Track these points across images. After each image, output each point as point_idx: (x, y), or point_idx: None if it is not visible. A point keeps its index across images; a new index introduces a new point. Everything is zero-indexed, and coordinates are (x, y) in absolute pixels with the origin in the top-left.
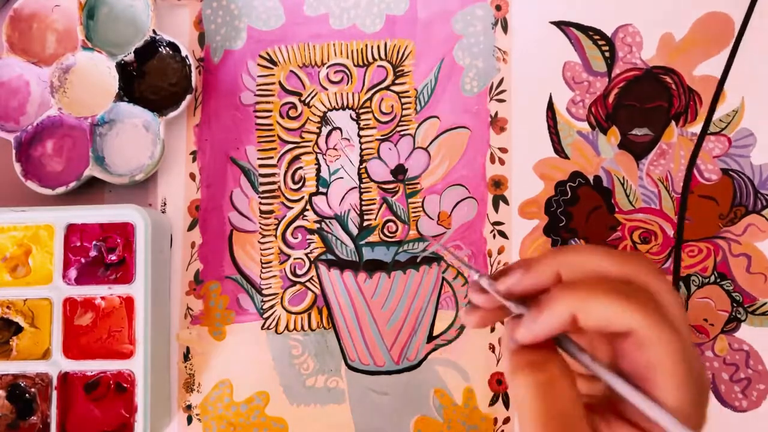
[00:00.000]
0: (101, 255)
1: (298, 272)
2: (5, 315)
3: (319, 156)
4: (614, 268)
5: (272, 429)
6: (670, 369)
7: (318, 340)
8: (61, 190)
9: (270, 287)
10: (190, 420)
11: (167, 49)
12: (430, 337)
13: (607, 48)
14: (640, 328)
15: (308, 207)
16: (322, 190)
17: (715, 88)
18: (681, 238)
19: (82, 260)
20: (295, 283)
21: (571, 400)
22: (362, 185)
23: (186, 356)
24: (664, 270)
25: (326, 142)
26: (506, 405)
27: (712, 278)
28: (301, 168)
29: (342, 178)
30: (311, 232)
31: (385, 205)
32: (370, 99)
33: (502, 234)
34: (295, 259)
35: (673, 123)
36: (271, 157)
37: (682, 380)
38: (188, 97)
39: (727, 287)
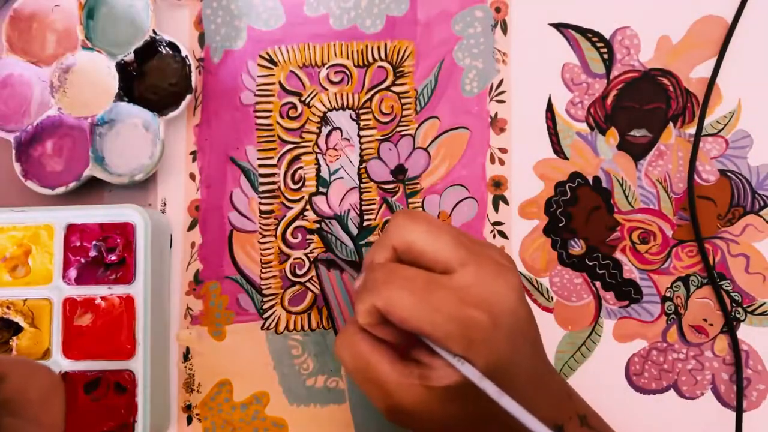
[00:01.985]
0: (101, 255)
1: (298, 272)
2: (5, 315)
3: (319, 156)
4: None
5: (272, 429)
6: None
7: (318, 341)
8: (61, 190)
9: (270, 287)
10: (190, 420)
11: (167, 49)
12: None
13: (605, 50)
14: None
15: (308, 207)
16: (322, 190)
17: (705, 89)
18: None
19: (82, 260)
20: (294, 283)
21: (360, 349)
22: (362, 185)
23: (186, 356)
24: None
25: (326, 142)
26: None
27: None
28: (301, 168)
29: (342, 178)
30: (311, 232)
31: (385, 205)
32: (370, 99)
33: (502, 234)
34: (294, 259)
35: (671, 124)
36: (271, 157)
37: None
38: (188, 97)
39: (726, 287)
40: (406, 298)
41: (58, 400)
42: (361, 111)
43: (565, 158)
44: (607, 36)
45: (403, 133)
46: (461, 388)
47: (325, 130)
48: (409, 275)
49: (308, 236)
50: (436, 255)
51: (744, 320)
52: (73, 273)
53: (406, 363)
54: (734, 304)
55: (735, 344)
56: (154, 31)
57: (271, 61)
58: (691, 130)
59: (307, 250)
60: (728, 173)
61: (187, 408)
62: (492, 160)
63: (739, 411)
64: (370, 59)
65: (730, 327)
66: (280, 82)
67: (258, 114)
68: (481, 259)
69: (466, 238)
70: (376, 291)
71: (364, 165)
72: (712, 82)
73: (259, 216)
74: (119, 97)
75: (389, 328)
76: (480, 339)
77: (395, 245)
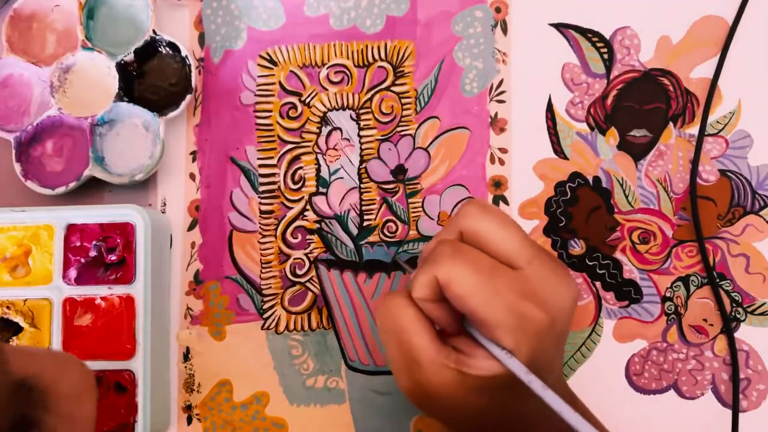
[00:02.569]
0: (101, 255)
1: (298, 272)
2: (5, 315)
3: (319, 156)
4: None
5: (272, 429)
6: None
7: (318, 340)
8: (61, 190)
9: (270, 287)
10: (190, 420)
11: (167, 49)
12: None
13: (605, 50)
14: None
15: (308, 207)
16: (322, 190)
17: (708, 89)
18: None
19: (82, 260)
20: (294, 283)
21: (405, 316)
22: (362, 185)
23: (186, 356)
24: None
25: (326, 142)
26: None
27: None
28: (301, 168)
29: (342, 178)
30: (311, 232)
31: (385, 205)
32: (371, 99)
33: None
34: (295, 259)
35: (671, 124)
36: (271, 157)
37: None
38: (188, 97)
39: (726, 287)
40: (469, 275)
41: (90, 394)
42: (361, 111)
43: (565, 158)
44: (607, 36)
45: (403, 133)
46: (496, 381)
47: (325, 130)
48: (477, 256)
49: (308, 236)
50: (504, 247)
51: (744, 320)
52: (73, 273)
53: (445, 345)
54: (734, 304)
55: (732, 344)
56: (154, 31)
57: (271, 61)
58: (692, 130)
59: (307, 250)
60: (728, 173)
61: (187, 408)
62: (492, 160)
63: (735, 411)
64: (370, 59)
65: (728, 327)
66: (280, 82)
67: (258, 114)
68: (545, 260)
69: (530, 238)
70: (440, 263)
71: (364, 165)
72: (714, 82)
73: (259, 216)
74: (119, 97)
75: (440, 309)
76: (532, 335)
77: (463, 230)
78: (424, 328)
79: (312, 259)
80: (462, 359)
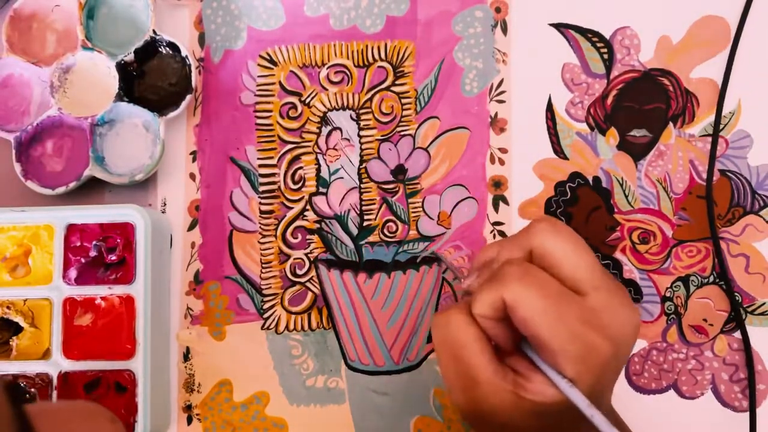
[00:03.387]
0: (101, 255)
1: (298, 272)
2: (5, 315)
3: (319, 156)
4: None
5: (272, 429)
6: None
7: (318, 340)
8: (61, 190)
9: (270, 287)
10: (190, 420)
11: (167, 49)
12: (430, 338)
13: (605, 50)
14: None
15: (308, 207)
16: (322, 190)
17: (719, 89)
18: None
19: (82, 260)
20: (295, 283)
21: (465, 334)
22: (362, 185)
23: (186, 356)
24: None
25: (326, 142)
26: None
27: (711, 278)
28: (301, 168)
29: (342, 178)
30: (311, 232)
31: (385, 205)
32: (371, 99)
33: (503, 234)
34: (295, 259)
35: (671, 124)
36: (271, 157)
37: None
38: (188, 97)
39: (726, 287)
40: (536, 299)
41: None
42: (361, 111)
43: (565, 158)
44: (607, 36)
45: (403, 133)
46: (552, 407)
47: (325, 130)
48: (545, 280)
49: (308, 236)
50: (573, 271)
51: (744, 320)
52: (73, 273)
53: (503, 365)
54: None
55: (746, 340)
56: (154, 31)
57: (271, 61)
58: (691, 130)
59: (307, 250)
60: (728, 173)
61: (187, 408)
62: (492, 160)
63: (752, 409)
64: (370, 59)
65: (739, 323)
66: (280, 82)
67: (258, 114)
68: (612, 287)
69: (600, 263)
70: (508, 284)
71: (364, 165)
72: (726, 80)
73: (259, 216)
74: (119, 97)
75: (500, 328)
76: (596, 365)
77: (533, 248)
78: (484, 347)
79: (312, 259)
80: (519, 382)
